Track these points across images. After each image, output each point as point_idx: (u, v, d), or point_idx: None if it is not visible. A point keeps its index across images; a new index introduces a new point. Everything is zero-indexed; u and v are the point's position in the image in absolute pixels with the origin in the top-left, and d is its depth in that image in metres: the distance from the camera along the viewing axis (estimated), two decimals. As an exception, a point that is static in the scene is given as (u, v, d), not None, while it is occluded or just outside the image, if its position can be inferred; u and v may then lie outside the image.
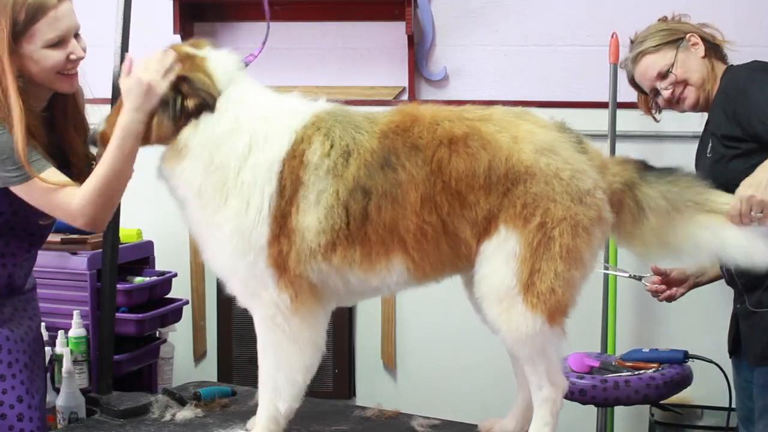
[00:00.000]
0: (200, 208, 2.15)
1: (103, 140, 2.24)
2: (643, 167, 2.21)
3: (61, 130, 2.38)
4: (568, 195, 2.06)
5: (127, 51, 2.50)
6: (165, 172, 2.19)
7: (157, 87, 2.11)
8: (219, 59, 2.21)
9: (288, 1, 3.88)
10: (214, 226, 2.14)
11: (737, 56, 2.73)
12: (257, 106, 2.17)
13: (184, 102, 2.13)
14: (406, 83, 3.87)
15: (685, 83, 2.65)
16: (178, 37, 3.78)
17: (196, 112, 2.13)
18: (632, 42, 2.77)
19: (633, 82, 2.80)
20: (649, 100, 2.78)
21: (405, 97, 3.87)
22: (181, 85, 2.13)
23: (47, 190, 2.20)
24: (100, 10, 2.83)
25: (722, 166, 2.50)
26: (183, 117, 2.14)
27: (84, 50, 2.29)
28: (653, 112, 2.81)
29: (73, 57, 2.25)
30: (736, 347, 2.69)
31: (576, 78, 3.81)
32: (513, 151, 2.07)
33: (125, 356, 3.20)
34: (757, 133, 2.41)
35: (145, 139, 2.18)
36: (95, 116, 2.38)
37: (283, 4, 3.89)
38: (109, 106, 2.61)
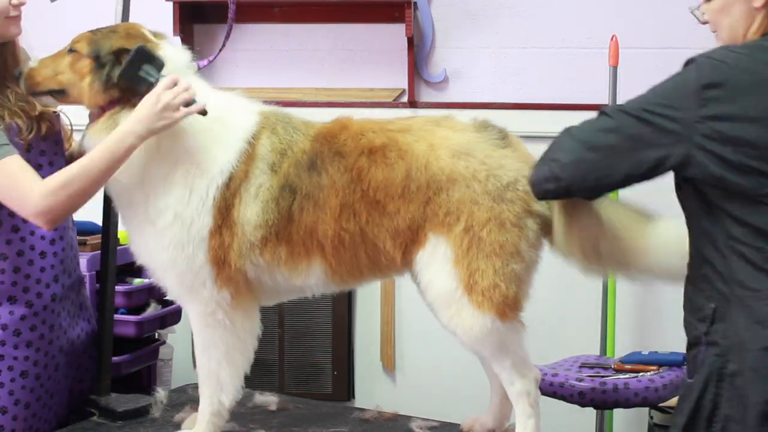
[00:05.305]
0: (141, 197, 2.15)
1: (27, 79, 2.20)
2: None
3: None
4: (488, 195, 2.08)
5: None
6: None
7: (170, 112, 2.05)
8: (170, 50, 2.22)
9: (288, 3, 3.89)
10: (153, 215, 2.14)
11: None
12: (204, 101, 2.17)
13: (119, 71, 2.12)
14: (405, 85, 3.86)
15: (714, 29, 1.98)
16: (177, 39, 3.78)
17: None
18: None
19: None
20: None
21: (404, 99, 3.87)
22: (123, 56, 2.12)
23: (7, 177, 2.12)
24: (99, 11, 2.82)
25: None
26: (112, 85, 2.12)
27: None
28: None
29: (15, 2, 2.22)
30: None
31: (576, 80, 3.80)
32: (431, 159, 2.10)
33: (124, 358, 3.19)
34: None
35: (69, 96, 2.18)
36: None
37: (283, 5, 3.89)
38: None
